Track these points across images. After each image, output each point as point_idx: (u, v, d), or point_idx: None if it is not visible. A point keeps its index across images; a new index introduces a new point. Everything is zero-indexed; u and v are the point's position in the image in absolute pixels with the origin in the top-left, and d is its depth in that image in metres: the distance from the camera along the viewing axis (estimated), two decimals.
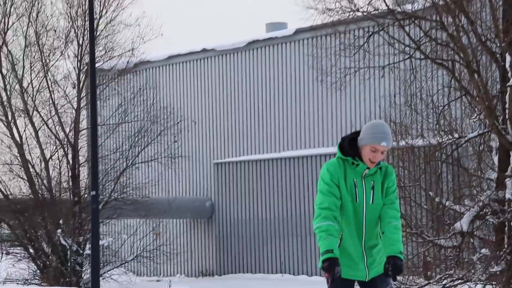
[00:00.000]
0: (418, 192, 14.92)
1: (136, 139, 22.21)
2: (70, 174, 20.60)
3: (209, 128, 27.78)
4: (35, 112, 20.71)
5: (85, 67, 20.58)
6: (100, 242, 18.04)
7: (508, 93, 13.06)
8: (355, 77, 16.07)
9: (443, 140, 14.31)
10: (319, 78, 17.68)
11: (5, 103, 20.34)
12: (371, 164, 3.06)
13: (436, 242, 14.16)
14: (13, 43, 21.44)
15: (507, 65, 13.03)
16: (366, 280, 3.26)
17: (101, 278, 17.46)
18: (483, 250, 13.76)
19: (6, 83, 20.70)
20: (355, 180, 3.12)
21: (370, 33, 14.72)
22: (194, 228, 28.28)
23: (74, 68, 21.30)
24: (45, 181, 20.45)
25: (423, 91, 15.65)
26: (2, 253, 20.77)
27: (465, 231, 13.31)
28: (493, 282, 14.00)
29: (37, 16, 20.96)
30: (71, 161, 21.03)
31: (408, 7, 14.61)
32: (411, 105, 15.27)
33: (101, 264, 18.69)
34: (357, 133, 3.30)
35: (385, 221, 3.19)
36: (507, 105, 13.29)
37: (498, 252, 13.41)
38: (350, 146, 3.23)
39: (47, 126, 20.40)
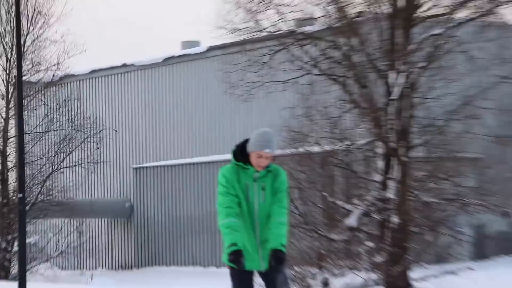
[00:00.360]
0: (314, 193, 15.13)
1: (61, 146, 23.27)
2: None
3: (129, 136, 28.36)
4: None
5: (13, 80, 21.54)
6: (27, 240, 18.38)
7: (391, 106, 13.86)
8: (260, 90, 16.31)
9: (336, 147, 14.86)
10: (229, 91, 17.57)
11: None
12: (259, 168, 3.28)
13: (328, 236, 14.74)
14: None
15: (390, 81, 13.82)
16: (262, 270, 3.48)
17: (28, 273, 17.38)
18: (368, 243, 14.48)
19: None
20: (247, 182, 3.35)
21: (274, 51, 14.99)
22: (114, 227, 28.77)
23: (3, 80, 22.48)
24: None
25: (320, 104, 15.65)
26: None
27: (353, 226, 14.28)
28: (376, 271, 14.56)
29: None
30: (0, 166, 22.36)
31: (307, 28, 15.18)
32: (309, 116, 15.36)
33: (28, 260, 18.97)
34: (247, 141, 3.53)
35: (271, 218, 3.38)
36: (390, 117, 13.97)
37: (380, 245, 14.21)
38: (241, 152, 3.48)
39: None
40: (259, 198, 3.38)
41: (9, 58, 22.40)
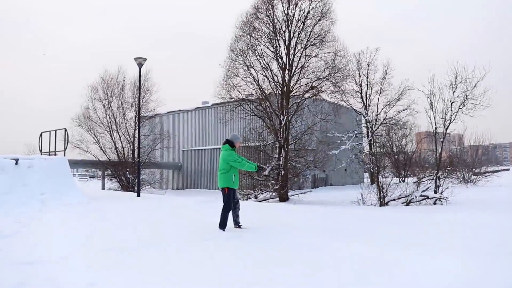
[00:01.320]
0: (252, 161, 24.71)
1: (154, 144, 33.70)
2: None
3: (179, 137, 47.50)
4: None
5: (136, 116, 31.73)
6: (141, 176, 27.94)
7: (281, 128, 23.42)
8: (231, 120, 25.84)
9: (259, 143, 24.57)
10: (220, 121, 26.77)
11: None
12: (237, 147, 8.19)
13: (257, 178, 23.81)
14: None
15: (281, 118, 23.37)
16: (237, 188, 8.14)
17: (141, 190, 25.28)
18: (272, 181, 23.62)
19: None
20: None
21: (237, 105, 24.77)
22: (174, 172, 47.26)
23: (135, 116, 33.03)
24: None
25: (255, 127, 25.31)
26: None
27: (267, 174, 23.19)
28: (275, 192, 23.50)
29: None
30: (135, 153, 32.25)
31: (250, 97, 24.91)
32: (250, 131, 24.82)
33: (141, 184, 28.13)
34: (228, 139, 8.34)
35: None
36: (281, 132, 23.54)
37: (277, 182, 23.44)
38: (231, 144, 8.23)
39: None
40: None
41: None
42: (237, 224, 8.55)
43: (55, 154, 18.06)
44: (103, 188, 35.70)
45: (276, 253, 6.23)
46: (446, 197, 18.99)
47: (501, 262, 5.78)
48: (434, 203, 18.99)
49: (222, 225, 8.22)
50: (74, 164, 34.91)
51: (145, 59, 19.52)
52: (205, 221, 9.66)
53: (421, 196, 19.37)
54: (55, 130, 18.58)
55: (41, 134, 19.33)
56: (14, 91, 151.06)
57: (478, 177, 36.85)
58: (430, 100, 20.22)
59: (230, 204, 8.21)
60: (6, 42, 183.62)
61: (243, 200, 22.35)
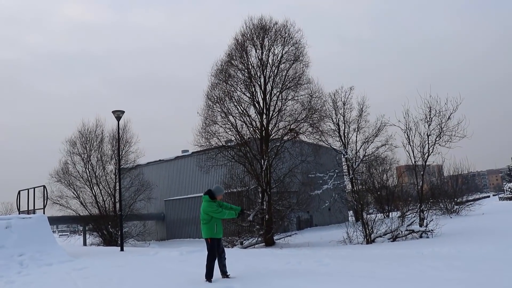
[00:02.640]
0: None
1: (135, 196, 33.61)
2: None
3: (161, 187, 46.46)
4: None
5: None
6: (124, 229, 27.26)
7: (262, 172, 23.16)
8: (212, 167, 25.30)
9: (242, 189, 24.32)
10: (201, 169, 26.53)
11: None
12: (218, 199, 8.22)
13: (241, 224, 23.33)
14: None
15: (262, 162, 23.18)
16: (220, 237, 8.17)
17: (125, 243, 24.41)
18: (257, 226, 23.17)
19: None
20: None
21: (217, 152, 24.58)
22: (156, 223, 47.63)
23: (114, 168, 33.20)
24: None
25: (236, 173, 25.14)
26: None
27: (251, 220, 22.92)
28: (260, 237, 22.97)
29: None
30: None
31: (229, 143, 24.70)
32: (232, 177, 24.78)
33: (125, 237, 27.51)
34: (210, 190, 8.43)
35: (227, 206, 8.60)
36: (263, 176, 23.19)
37: (261, 227, 23.05)
38: (211, 195, 8.32)
39: None
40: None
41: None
42: (224, 274, 8.37)
43: (34, 212, 17.62)
44: (84, 244, 34.85)
45: None
46: (432, 230, 19.02)
47: None
48: (420, 237, 19.00)
49: (208, 275, 8.08)
50: (54, 220, 34.15)
51: (123, 112, 19.55)
52: (192, 272, 9.45)
53: (406, 230, 19.36)
54: (34, 188, 18.24)
55: (19, 193, 18.93)
56: None
57: (460, 206, 37.14)
58: (407, 135, 20.46)
59: (214, 253, 8.15)
60: None
61: (229, 247, 21.94)
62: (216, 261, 8.24)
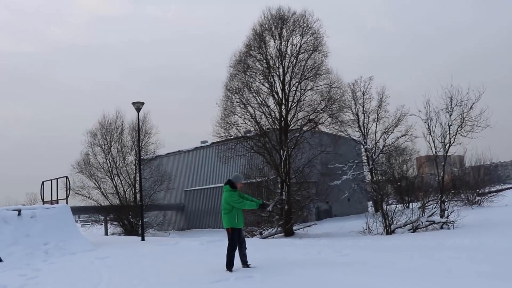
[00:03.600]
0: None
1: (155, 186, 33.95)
2: None
3: (181, 176, 47.40)
4: None
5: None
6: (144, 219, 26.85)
7: (282, 163, 23.23)
8: (232, 158, 25.43)
9: (261, 179, 24.57)
10: (220, 159, 26.72)
11: None
12: (239, 188, 8.18)
13: (261, 214, 23.11)
14: None
15: (281, 153, 23.21)
16: (242, 227, 8.26)
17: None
18: (276, 216, 23.36)
19: None
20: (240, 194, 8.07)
21: (236, 143, 24.67)
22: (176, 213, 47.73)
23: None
24: None
25: (255, 163, 25.11)
26: None
27: (270, 210, 23.41)
28: (280, 228, 23.25)
29: None
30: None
31: (248, 134, 24.86)
32: (251, 167, 24.86)
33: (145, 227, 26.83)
34: (229, 180, 8.39)
35: (248, 198, 8.37)
36: (282, 167, 23.32)
37: (281, 217, 23.22)
38: (232, 185, 8.28)
39: None
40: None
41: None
42: (244, 263, 8.43)
43: (57, 203, 17.96)
44: (106, 234, 35.40)
45: None
46: (453, 221, 18.84)
47: None
48: (441, 228, 18.87)
49: (229, 265, 8.14)
50: (76, 210, 34.66)
51: (142, 103, 19.72)
52: (212, 262, 9.55)
53: (427, 221, 19.24)
54: (57, 179, 18.58)
55: (42, 183, 19.30)
56: (13, 138, 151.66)
57: (482, 198, 36.65)
58: (428, 125, 20.27)
59: (234, 243, 8.17)
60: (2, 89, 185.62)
61: (248, 237, 22.03)
62: (237, 251, 8.26)
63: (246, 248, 8.52)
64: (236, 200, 8.12)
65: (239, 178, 8.60)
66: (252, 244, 12.85)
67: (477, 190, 37.42)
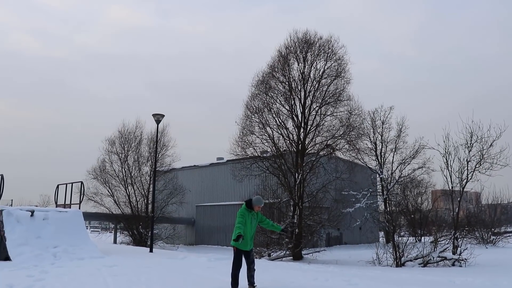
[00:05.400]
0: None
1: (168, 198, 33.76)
2: None
3: (194, 192, 47.05)
4: None
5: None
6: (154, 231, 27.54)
7: (296, 186, 23.41)
8: (246, 177, 25.59)
9: (274, 200, 24.54)
10: (235, 177, 26.74)
11: None
12: (256, 210, 7.61)
13: (271, 236, 23.45)
14: None
15: (296, 176, 23.32)
16: (248, 249, 7.57)
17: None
18: (286, 239, 23.20)
19: None
20: (251, 217, 7.50)
21: (252, 162, 24.76)
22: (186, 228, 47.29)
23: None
24: None
25: (269, 184, 25.30)
26: None
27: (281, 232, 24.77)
28: (289, 251, 23.06)
29: None
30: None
31: (264, 154, 24.93)
32: (265, 188, 25.17)
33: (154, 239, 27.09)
34: (250, 199, 7.80)
35: (269, 223, 8.13)
36: (296, 190, 23.42)
37: (290, 240, 23.07)
38: (248, 204, 7.73)
39: None
40: (252, 222, 7.72)
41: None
42: (251, 284, 8.29)
43: (69, 207, 18.10)
44: (115, 242, 35.44)
45: None
46: (465, 259, 18.50)
47: None
48: (453, 265, 18.52)
49: (233, 284, 7.99)
50: (87, 216, 34.86)
51: (163, 116, 19.90)
52: (219, 279, 9.48)
53: (439, 257, 18.92)
54: (72, 183, 18.73)
55: (57, 187, 19.48)
56: (32, 141, 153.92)
57: (497, 237, 35.93)
58: (446, 159, 20.06)
59: (238, 263, 7.94)
60: (24, 92, 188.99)
61: (256, 258, 21.97)
62: (245, 270, 8.13)
63: (254, 270, 8.34)
64: (238, 221, 7.73)
65: (260, 201, 8.19)
66: (260, 265, 12.69)
67: (493, 229, 36.68)
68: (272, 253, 24.32)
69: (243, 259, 8.03)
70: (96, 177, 34.02)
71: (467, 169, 19.71)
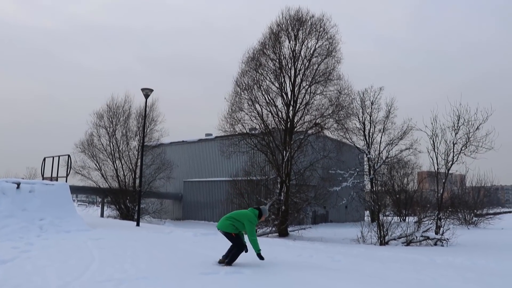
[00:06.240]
0: (254, 196, 24.48)
1: (156, 173, 33.84)
2: None
3: (182, 168, 46.98)
4: None
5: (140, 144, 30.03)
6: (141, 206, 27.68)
7: (283, 164, 23.58)
8: (234, 153, 25.47)
9: (262, 178, 24.73)
10: (223, 153, 26.60)
11: None
12: (263, 220, 8.84)
13: None
14: None
15: (283, 154, 23.55)
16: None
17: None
18: (272, 216, 23.48)
19: None
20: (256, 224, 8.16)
21: (240, 139, 24.75)
22: (174, 203, 48.00)
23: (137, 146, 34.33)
24: None
25: (257, 161, 25.45)
26: None
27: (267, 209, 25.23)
28: (275, 227, 23.46)
29: None
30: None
31: (253, 131, 24.90)
32: (252, 165, 25.22)
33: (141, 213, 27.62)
34: (259, 208, 8.46)
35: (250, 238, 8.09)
36: (283, 168, 23.57)
37: (277, 217, 23.47)
38: (259, 213, 8.34)
39: None
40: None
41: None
42: (224, 258, 8.30)
43: (56, 180, 18.04)
44: (102, 216, 35.46)
45: None
46: (447, 239, 18.86)
47: None
48: (435, 244, 18.87)
49: (231, 260, 8.16)
50: (74, 190, 34.80)
51: (151, 90, 19.78)
52: (204, 254, 9.58)
53: (421, 236, 19.25)
54: (59, 156, 18.63)
55: (44, 159, 19.37)
56: (19, 113, 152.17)
57: (479, 219, 36.64)
58: (433, 141, 20.29)
59: (243, 243, 8.21)
60: (10, 64, 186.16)
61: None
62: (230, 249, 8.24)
63: (236, 252, 8.40)
64: (252, 229, 8.13)
65: (266, 213, 8.75)
66: (247, 241, 12.79)
67: (475, 211, 37.41)
68: (258, 230, 24.26)
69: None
70: (84, 151, 33.86)
71: (453, 151, 19.96)
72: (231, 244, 8.32)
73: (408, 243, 19.20)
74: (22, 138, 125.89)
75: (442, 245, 18.62)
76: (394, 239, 19.73)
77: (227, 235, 8.21)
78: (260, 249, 8.19)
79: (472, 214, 36.88)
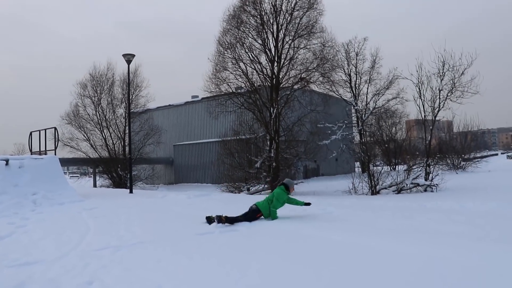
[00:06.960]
0: (244, 155, 24.72)
1: (145, 139, 34.09)
2: None
3: (171, 132, 47.86)
4: None
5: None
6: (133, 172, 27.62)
7: (271, 120, 23.37)
8: (221, 113, 25.34)
9: (251, 136, 24.83)
10: (210, 114, 26.52)
11: None
12: (291, 191, 9.28)
13: (249, 171, 23.96)
14: None
15: (271, 110, 23.33)
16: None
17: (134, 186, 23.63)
18: (264, 173, 23.76)
19: None
20: (286, 196, 9.01)
21: (227, 99, 24.76)
22: (166, 167, 48.20)
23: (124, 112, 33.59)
24: None
25: (245, 120, 25.51)
26: None
27: (258, 167, 23.56)
28: (267, 184, 23.67)
29: None
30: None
31: (239, 90, 24.83)
32: (241, 124, 25.34)
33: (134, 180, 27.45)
34: (284, 183, 9.35)
35: (294, 201, 9.45)
36: (271, 124, 23.44)
37: (268, 174, 23.63)
38: (285, 186, 9.25)
39: None
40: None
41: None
42: (217, 217, 8.39)
43: (45, 153, 17.99)
44: (94, 186, 35.61)
45: (269, 243, 6.32)
46: (437, 184, 19.28)
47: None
48: (425, 190, 19.29)
49: (227, 220, 8.35)
50: (65, 162, 34.74)
51: (133, 55, 19.53)
52: (198, 215, 9.74)
53: (411, 183, 19.65)
54: (45, 129, 18.52)
55: (30, 134, 19.25)
56: (1, 86, 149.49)
57: (467, 163, 37.32)
58: (419, 89, 20.49)
59: (248, 218, 8.61)
60: None
61: (236, 193, 22.61)
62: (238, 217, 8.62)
63: (239, 221, 8.60)
64: (276, 204, 8.81)
65: (292, 183, 9.45)
66: (239, 200, 13.14)
67: (463, 155, 38.04)
68: (251, 187, 24.68)
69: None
70: (70, 122, 33.64)
71: (439, 97, 20.18)
72: (244, 212, 8.78)
73: (398, 191, 19.60)
74: (6, 113, 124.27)
75: (432, 191, 19.04)
76: (385, 188, 20.12)
77: (256, 212, 8.73)
78: (302, 203, 9.41)
79: (460, 159, 37.54)
